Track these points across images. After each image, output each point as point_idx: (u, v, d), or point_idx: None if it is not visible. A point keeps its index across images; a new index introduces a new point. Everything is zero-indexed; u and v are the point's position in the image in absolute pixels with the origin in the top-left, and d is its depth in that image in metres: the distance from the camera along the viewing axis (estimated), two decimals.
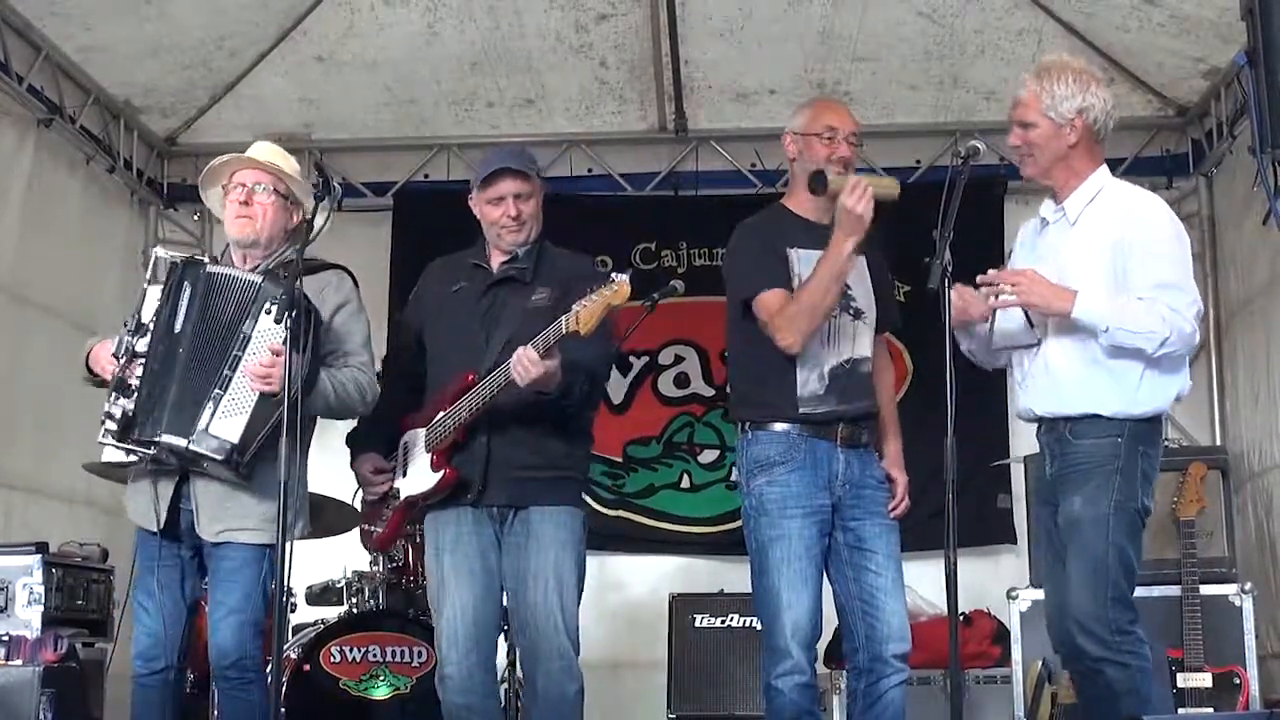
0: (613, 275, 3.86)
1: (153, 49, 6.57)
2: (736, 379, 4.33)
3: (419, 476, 4.19)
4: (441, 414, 4.13)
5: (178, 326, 4.02)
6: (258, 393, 3.95)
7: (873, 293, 4.21)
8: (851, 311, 4.15)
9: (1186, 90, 7.03)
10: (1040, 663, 5.31)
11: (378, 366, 4.34)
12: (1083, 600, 3.73)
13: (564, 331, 3.87)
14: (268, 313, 3.96)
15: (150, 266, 4.10)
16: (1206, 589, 5.32)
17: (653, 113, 7.42)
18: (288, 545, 3.77)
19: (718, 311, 7.34)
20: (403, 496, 4.25)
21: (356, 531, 6.14)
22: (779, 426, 4.11)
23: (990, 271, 3.82)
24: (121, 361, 4.01)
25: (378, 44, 6.73)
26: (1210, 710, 5.15)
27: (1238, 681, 5.25)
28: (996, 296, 3.81)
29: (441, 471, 4.13)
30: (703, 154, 7.62)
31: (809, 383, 4.09)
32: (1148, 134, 7.30)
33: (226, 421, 3.95)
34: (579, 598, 4.19)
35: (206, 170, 4.35)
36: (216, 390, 3.96)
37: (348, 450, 4.45)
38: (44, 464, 6.26)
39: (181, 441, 3.94)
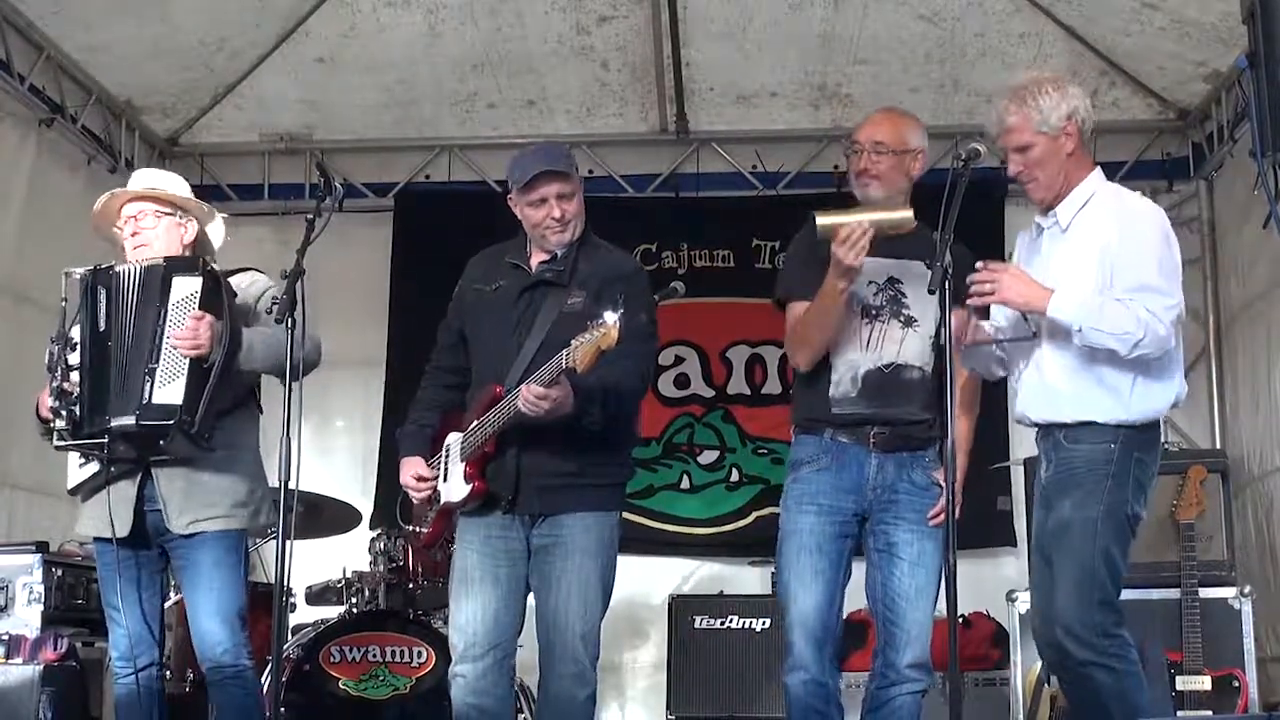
0: (604, 316, 3.80)
1: (154, 49, 6.59)
2: (790, 382, 4.33)
3: (455, 485, 4.16)
4: (475, 423, 4.11)
5: (101, 326, 4.16)
6: (188, 358, 4.06)
7: (938, 303, 3.98)
8: (902, 318, 4.09)
9: (1187, 94, 7.04)
10: (1039, 665, 5.30)
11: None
12: (1070, 604, 3.72)
13: (563, 367, 3.85)
14: (189, 284, 4.11)
15: (63, 286, 4.23)
16: (1206, 592, 5.32)
17: (654, 114, 7.43)
18: (286, 545, 3.78)
19: (718, 312, 7.54)
20: (443, 501, 4.23)
21: (355, 532, 6.20)
22: (814, 430, 4.11)
23: (977, 264, 3.79)
24: (58, 374, 4.13)
25: (379, 45, 6.74)
26: (1209, 713, 5.15)
27: (1237, 685, 5.24)
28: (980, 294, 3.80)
29: (472, 484, 4.11)
30: (704, 156, 7.63)
31: (841, 384, 4.07)
32: (1148, 137, 7.31)
33: (166, 388, 4.06)
34: (605, 604, 4.17)
35: (96, 216, 4.42)
36: (150, 364, 4.09)
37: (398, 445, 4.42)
38: (47, 464, 6.23)
39: (130, 419, 4.04)
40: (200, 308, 4.08)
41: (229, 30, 6.58)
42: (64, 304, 4.22)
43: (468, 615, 4.12)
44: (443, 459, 4.23)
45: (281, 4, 6.52)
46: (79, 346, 4.16)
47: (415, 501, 4.30)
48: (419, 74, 7.01)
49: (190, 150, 7.50)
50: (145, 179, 4.47)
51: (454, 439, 4.20)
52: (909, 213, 3.98)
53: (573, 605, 4.08)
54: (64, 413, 4.10)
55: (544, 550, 4.12)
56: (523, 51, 6.81)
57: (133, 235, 4.32)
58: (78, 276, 4.23)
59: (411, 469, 4.26)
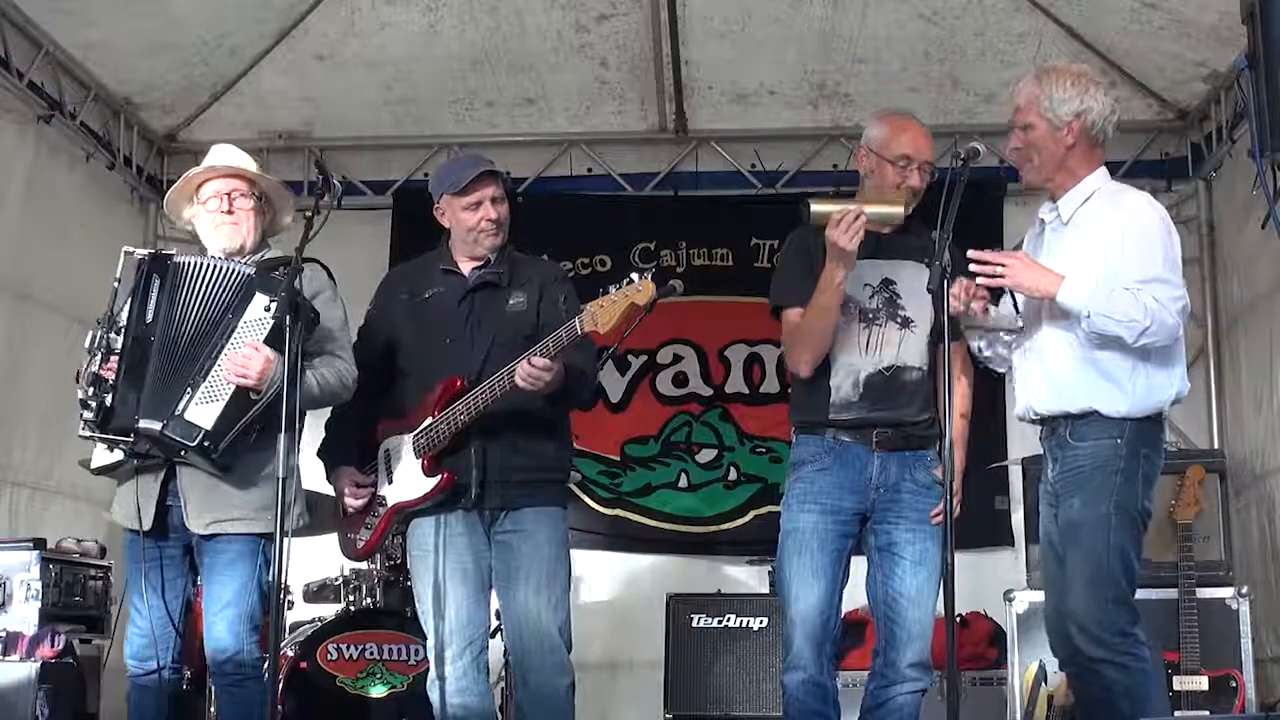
0: (632, 275, 3.82)
1: (153, 46, 6.58)
2: (787, 383, 4.34)
3: (410, 483, 4.18)
4: (430, 420, 4.13)
5: (149, 317, 4.04)
6: (233, 384, 3.96)
7: (931, 303, 4.01)
8: (899, 320, 4.11)
9: (1187, 94, 7.03)
10: (1037, 664, 5.31)
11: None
12: (1082, 602, 3.73)
13: (579, 333, 3.86)
14: (264, 306, 3.96)
15: (119, 264, 4.12)
16: (1203, 592, 5.33)
17: (653, 113, 7.43)
18: (286, 541, 3.76)
19: (716, 311, 7.53)
20: (391, 503, 4.23)
21: None
22: (816, 430, 4.12)
23: (983, 251, 3.80)
24: (97, 358, 4.03)
25: (378, 43, 6.74)
26: (1206, 713, 5.15)
27: (1234, 685, 5.25)
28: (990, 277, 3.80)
29: (437, 477, 4.12)
30: (703, 154, 7.63)
31: (842, 389, 4.09)
32: (1147, 137, 7.30)
33: (202, 408, 3.96)
34: (568, 595, 4.21)
35: (180, 185, 4.29)
36: (196, 377, 3.98)
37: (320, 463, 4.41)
38: (48, 461, 6.27)
39: (156, 425, 3.94)
40: (267, 339, 3.93)
41: (228, 27, 6.58)
42: (116, 284, 4.10)
43: (441, 617, 4.15)
44: (381, 464, 4.23)
45: (281, 1, 6.51)
46: (123, 332, 4.03)
47: (352, 510, 4.31)
48: (418, 72, 7.01)
49: (189, 147, 7.46)
50: (234, 157, 4.29)
51: (395, 442, 4.23)
52: (900, 208, 4.01)
53: (545, 597, 4.12)
54: (93, 402, 3.98)
55: (508, 546, 4.16)
56: (522, 49, 6.80)
57: (226, 213, 4.18)
58: (136, 258, 4.11)
59: (347, 478, 4.28)
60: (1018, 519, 6.65)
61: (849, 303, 4.05)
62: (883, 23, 6.56)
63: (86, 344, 4.08)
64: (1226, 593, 5.43)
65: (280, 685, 5.12)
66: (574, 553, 4.40)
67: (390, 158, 7.69)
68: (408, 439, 4.19)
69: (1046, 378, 3.87)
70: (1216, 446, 6.87)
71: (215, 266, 4.10)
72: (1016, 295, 3.89)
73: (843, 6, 6.46)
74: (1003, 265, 3.76)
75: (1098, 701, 3.78)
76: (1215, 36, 6.21)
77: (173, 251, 4.20)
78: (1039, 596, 5.08)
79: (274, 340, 3.93)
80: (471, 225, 4.25)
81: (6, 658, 5.03)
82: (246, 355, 3.95)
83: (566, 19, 6.60)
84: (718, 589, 6.78)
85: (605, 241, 7.52)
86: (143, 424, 3.96)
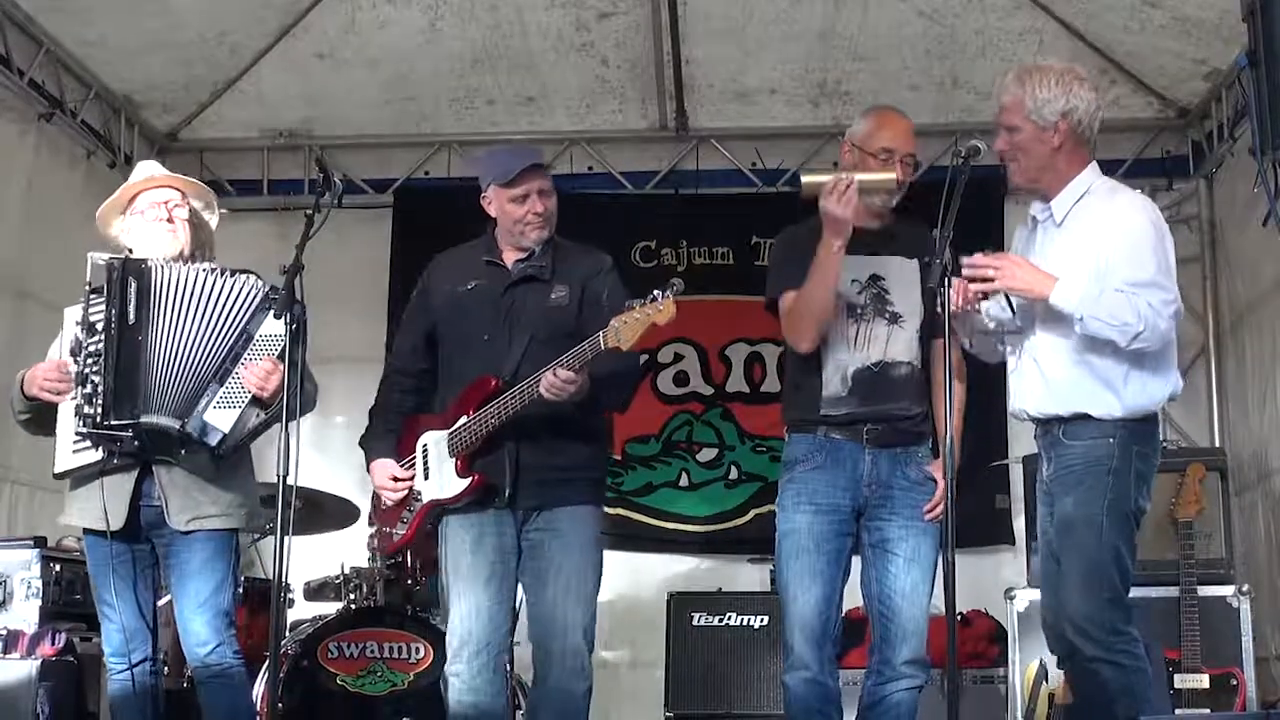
0: (655, 292, 3.83)
1: (154, 44, 6.59)
2: (784, 382, 4.36)
3: (444, 481, 4.17)
4: (465, 419, 4.11)
5: (131, 319, 4.09)
6: (251, 393, 4.09)
7: (922, 298, 4.08)
8: (887, 315, 4.11)
9: (1187, 92, 7.04)
10: (1037, 663, 5.31)
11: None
12: (1078, 601, 3.73)
13: (602, 348, 3.86)
14: (277, 317, 4.01)
15: (88, 270, 4.15)
16: (1204, 590, 5.33)
17: (654, 111, 7.43)
18: (286, 540, 3.78)
19: (717, 311, 7.54)
20: (426, 499, 4.22)
21: (354, 528, 6.19)
22: (807, 429, 4.12)
23: (975, 255, 3.79)
24: (79, 359, 4.08)
25: (379, 41, 6.74)
26: (1207, 711, 5.16)
27: (1235, 683, 5.25)
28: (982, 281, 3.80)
29: (470, 478, 4.11)
30: (703, 153, 7.63)
31: (831, 384, 4.09)
32: (1148, 135, 7.30)
33: (220, 412, 4.09)
34: (596, 597, 4.19)
35: (116, 196, 4.38)
36: (212, 381, 4.09)
37: (361, 451, 4.43)
38: (48, 460, 6.23)
39: (174, 422, 4.04)
40: (281, 355, 4.01)
41: (229, 25, 6.58)
42: (88, 289, 4.14)
43: (462, 614, 4.12)
44: (419, 459, 4.22)
45: None
46: (101, 334, 4.08)
47: (390, 504, 4.30)
48: (419, 70, 7.01)
49: (190, 145, 7.49)
50: (163, 171, 4.44)
51: (432, 437, 4.20)
52: (892, 174, 4.01)
53: (571, 599, 4.10)
54: (90, 404, 4.03)
55: (539, 545, 4.13)
56: (522, 48, 6.81)
57: (167, 221, 4.27)
58: (102, 263, 4.15)
59: (385, 470, 4.28)
60: (1018, 518, 6.65)
61: (837, 298, 4.05)
62: (883, 21, 6.56)
63: (69, 346, 4.13)
64: (1227, 591, 5.43)
65: (280, 684, 5.14)
66: None
67: (391, 156, 7.70)
68: (444, 436, 4.17)
69: (1040, 380, 3.85)
70: (1218, 444, 6.87)
71: (220, 275, 4.17)
72: (1011, 297, 3.89)
73: (843, 5, 6.46)
74: (995, 268, 3.75)
75: (1095, 701, 3.78)
76: (1216, 34, 6.22)
77: (145, 257, 4.23)
78: (1039, 595, 5.09)
79: (285, 356, 3.98)
80: (518, 217, 4.22)
81: (7, 656, 5.02)
82: (268, 369, 4.08)
83: (567, 17, 6.61)
84: (719, 587, 6.78)
85: (606, 240, 7.31)
86: (152, 420, 4.04)
